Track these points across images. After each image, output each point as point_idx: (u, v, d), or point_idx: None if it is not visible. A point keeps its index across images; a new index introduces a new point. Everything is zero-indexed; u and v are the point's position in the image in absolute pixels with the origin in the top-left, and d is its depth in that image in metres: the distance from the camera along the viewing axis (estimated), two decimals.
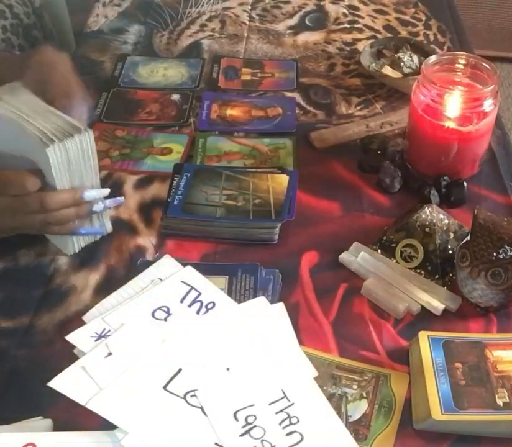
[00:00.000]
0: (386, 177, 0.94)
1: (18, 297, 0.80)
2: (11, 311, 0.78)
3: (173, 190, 0.90)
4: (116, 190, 0.93)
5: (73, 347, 0.70)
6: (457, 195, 0.91)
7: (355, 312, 0.79)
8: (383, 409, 0.69)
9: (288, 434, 0.64)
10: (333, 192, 0.94)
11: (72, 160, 0.74)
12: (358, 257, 0.83)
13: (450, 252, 0.82)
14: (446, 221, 0.84)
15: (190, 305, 0.74)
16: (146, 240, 0.87)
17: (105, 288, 0.79)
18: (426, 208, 0.84)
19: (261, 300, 0.75)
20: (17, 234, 0.82)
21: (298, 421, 0.65)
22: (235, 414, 0.65)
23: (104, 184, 0.94)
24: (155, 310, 0.73)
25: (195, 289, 0.76)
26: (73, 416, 0.66)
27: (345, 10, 1.34)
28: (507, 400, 0.65)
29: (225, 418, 0.65)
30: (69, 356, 0.70)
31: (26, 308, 0.78)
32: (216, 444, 0.63)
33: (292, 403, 0.67)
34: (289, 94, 1.13)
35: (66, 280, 0.82)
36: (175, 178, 0.92)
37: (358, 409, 0.69)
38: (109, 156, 1.00)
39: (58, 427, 0.66)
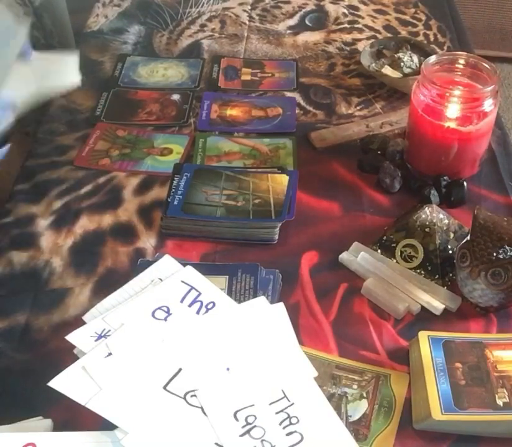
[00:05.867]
0: (386, 177, 0.94)
1: (14, 298, 0.80)
2: (7, 312, 0.78)
3: (173, 190, 0.90)
4: (116, 194, 0.94)
5: (73, 347, 0.70)
6: (457, 195, 0.91)
7: (355, 312, 0.79)
8: (383, 409, 0.69)
9: (288, 434, 0.64)
10: (333, 192, 0.94)
11: None
12: (358, 257, 0.83)
13: (450, 252, 0.82)
14: (446, 221, 0.84)
15: (190, 305, 0.74)
16: (146, 240, 0.87)
17: (105, 288, 0.79)
18: (426, 208, 0.84)
19: (261, 300, 0.75)
20: (6, 234, 0.84)
21: (298, 421, 0.65)
22: (235, 414, 0.65)
23: (103, 188, 0.94)
24: (155, 310, 0.73)
25: (195, 289, 0.76)
26: (73, 416, 0.67)
27: (345, 10, 1.34)
28: (507, 400, 0.65)
29: (225, 418, 0.65)
30: (69, 356, 0.70)
31: (22, 309, 0.78)
32: (216, 444, 0.63)
33: (292, 403, 0.67)
34: (289, 94, 1.13)
35: (63, 281, 0.82)
36: (175, 178, 0.92)
37: (358, 409, 0.69)
38: (108, 156, 1.00)
39: (58, 427, 0.66)
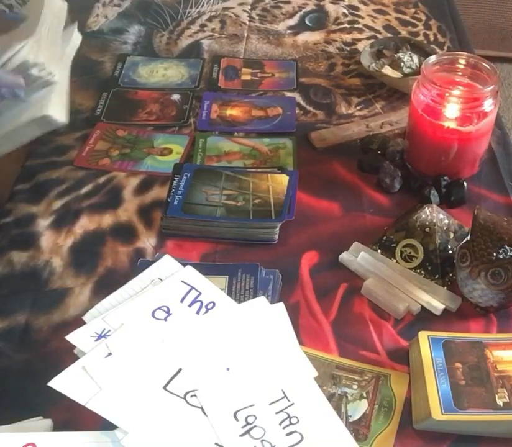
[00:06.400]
0: (386, 177, 0.94)
1: (14, 298, 0.80)
2: (7, 312, 0.78)
3: (173, 190, 0.90)
4: (116, 194, 0.94)
5: (73, 347, 0.70)
6: (457, 195, 0.91)
7: (355, 312, 0.79)
8: (383, 409, 0.69)
9: (288, 434, 0.64)
10: (333, 192, 0.94)
11: None
12: (358, 257, 0.83)
13: (450, 252, 0.82)
14: (446, 221, 0.84)
15: (190, 305, 0.74)
16: (146, 240, 0.87)
17: (105, 288, 0.79)
18: (426, 208, 0.84)
19: (261, 300, 0.75)
20: (6, 234, 0.84)
21: (298, 421, 0.65)
22: (235, 414, 0.65)
23: (103, 188, 0.94)
24: (155, 310, 0.73)
25: (195, 289, 0.76)
26: (73, 416, 0.67)
27: (345, 10, 1.34)
28: (507, 400, 0.65)
29: (225, 418, 0.65)
30: (69, 356, 0.70)
31: (22, 309, 0.79)
32: (216, 444, 0.63)
33: (292, 403, 0.67)
34: (289, 94, 1.13)
35: (63, 281, 0.82)
36: (175, 178, 0.92)
37: (358, 409, 0.69)
38: (108, 156, 1.00)
39: (58, 427, 0.66)
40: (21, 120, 0.80)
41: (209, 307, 0.74)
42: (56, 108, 0.80)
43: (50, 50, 0.81)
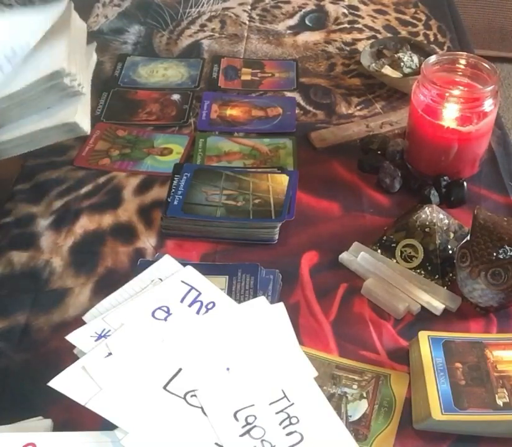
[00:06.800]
0: (386, 177, 0.94)
1: (14, 298, 0.80)
2: (7, 312, 0.78)
3: (173, 190, 0.90)
4: (116, 194, 0.94)
5: (73, 347, 0.70)
6: (457, 195, 0.91)
7: (355, 312, 0.79)
8: (383, 409, 0.69)
9: (288, 434, 0.64)
10: (333, 192, 0.94)
11: None
12: (358, 257, 0.83)
13: (450, 252, 0.82)
14: (446, 221, 0.84)
15: (190, 305, 0.74)
16: (146, 240, 0.87)
17: (105, 288, 0.79)
18: (426, 208, 0.84)
19: (261, 300, 0.75)
20: (6, 234, 0.84)
21: (298, 421, 0.65)
22: (235, 414, 0.65)
23: (103, 188, 0.94)
24: (155, 310, 0.73)
25: (195, 289, 0.76)
26: (73, 416, 0.67)
27: (345, 10, 1.34)
28: (507, 400, 0.65)
29: (225, 418, 0.65)
30: (69, 356, 0.70)
31: (22, 309, 0.78)
32: (216, 444, 0.63)
33: (292, 403, 0.67)
34: (289, 94, 1.13)
35: (63, 281, 0.82)
36: (175, 178, 0.92)
37: (358, 409, 0.69)
38: (108, 156, 1.00)
39: (58, 427, 0.66)
40: (46, 124, 0.82)
41: (209, 307, 0.74)
42: (82, 117, 0.83)
43: (77, 63, 0.83)
